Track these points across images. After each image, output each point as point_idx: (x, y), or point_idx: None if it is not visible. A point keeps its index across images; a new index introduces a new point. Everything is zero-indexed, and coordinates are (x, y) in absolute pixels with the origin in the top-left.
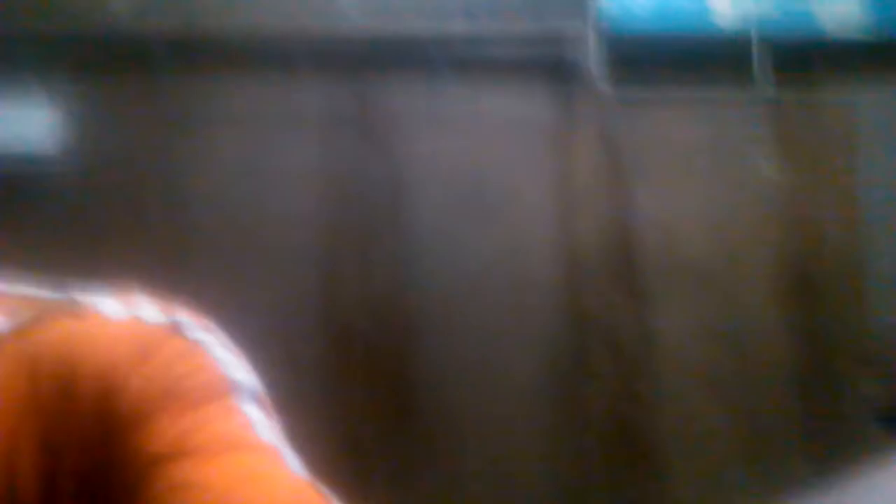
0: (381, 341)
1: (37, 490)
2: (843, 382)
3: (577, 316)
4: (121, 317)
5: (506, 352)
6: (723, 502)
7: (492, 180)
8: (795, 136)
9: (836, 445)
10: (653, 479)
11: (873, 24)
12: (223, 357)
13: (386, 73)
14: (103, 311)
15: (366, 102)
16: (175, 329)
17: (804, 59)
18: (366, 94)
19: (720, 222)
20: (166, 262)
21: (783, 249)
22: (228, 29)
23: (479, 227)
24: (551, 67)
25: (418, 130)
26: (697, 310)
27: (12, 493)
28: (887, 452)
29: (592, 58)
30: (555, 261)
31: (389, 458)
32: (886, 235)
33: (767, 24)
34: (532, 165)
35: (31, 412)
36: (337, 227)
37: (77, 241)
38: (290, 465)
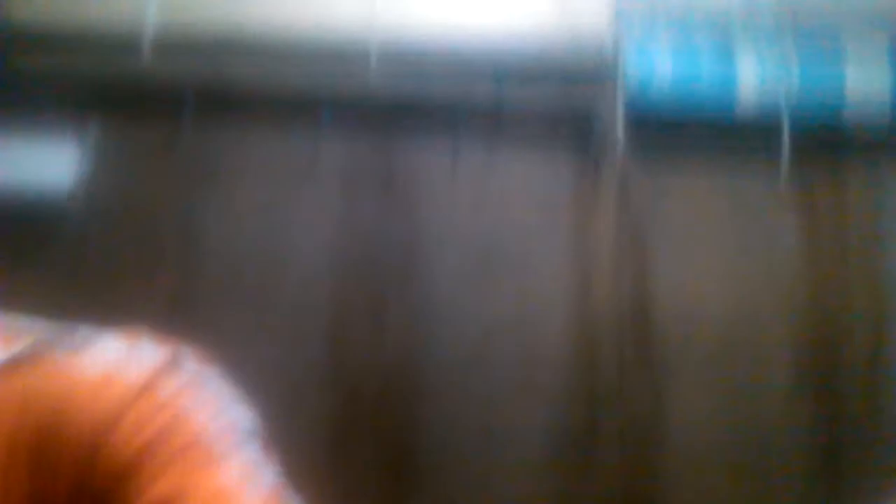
0: (389, 404)
1: None
2: (868, 469)
3: (590, 388)
4: (117, 357)
5: (515, 422)
6: None
7: (509, 247)
8: (821, 220)
9: None
10: None
11: None
12: (221, 398)
13: (409, 133)
14: (100, 351)
15: (388, 162)
16: (172, 371)
17: (831, 143)
18: (388, 153)
19: (741, 300)
20: (177, 308)
21: (806, 329)
22: (255, 80)
23: (493, 294)
24: (574, 137)
25: (439, 193)
26: (716, 387)
27: None
28: None
29: (615, 130)
30: (569, 332)
31: None
32: None
33: (794, 107)
34: (551, 234)
35: (21, 448)
36: (350, 286)
37: (90, 282)
38: None
